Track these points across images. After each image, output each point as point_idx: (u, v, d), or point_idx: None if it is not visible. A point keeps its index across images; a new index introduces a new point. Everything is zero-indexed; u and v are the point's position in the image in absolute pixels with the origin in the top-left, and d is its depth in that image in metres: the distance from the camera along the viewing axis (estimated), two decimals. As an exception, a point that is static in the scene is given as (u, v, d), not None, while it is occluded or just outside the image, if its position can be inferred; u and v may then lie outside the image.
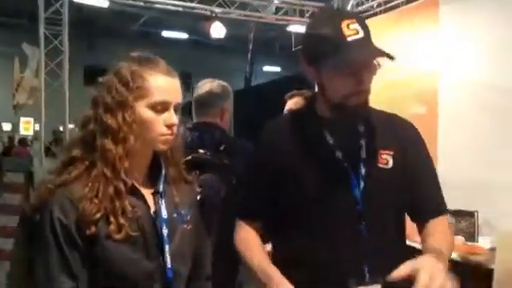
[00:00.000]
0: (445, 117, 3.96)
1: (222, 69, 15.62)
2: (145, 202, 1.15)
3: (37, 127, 7.04)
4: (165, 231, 1.15)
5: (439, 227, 1.32)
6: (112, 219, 1.07)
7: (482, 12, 3.63)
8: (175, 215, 1.19)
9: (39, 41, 4.44)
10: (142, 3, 5.13)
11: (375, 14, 5.08)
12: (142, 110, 1.12)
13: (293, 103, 2.77)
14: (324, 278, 1.27)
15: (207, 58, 14.73)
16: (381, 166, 1.32)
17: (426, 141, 1.45)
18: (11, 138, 11.49)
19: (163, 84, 1.14)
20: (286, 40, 6.44)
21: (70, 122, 4.63)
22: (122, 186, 1.10)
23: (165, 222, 1.15)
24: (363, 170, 1.30)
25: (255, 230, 1.42)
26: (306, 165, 1.33)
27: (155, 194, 1.18)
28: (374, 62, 1.31)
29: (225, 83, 2.33)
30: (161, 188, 1.18)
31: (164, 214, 1.16)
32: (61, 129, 5.00)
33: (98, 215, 1.07)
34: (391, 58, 1.27)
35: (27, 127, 12.58)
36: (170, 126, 1.15)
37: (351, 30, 1.25)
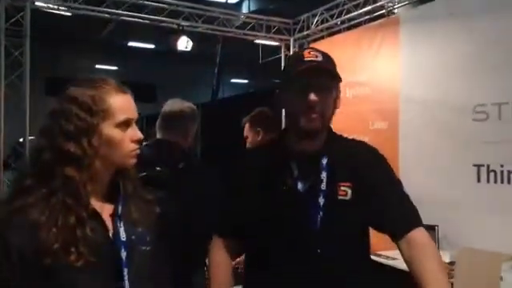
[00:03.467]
0: (405, 132, 4.08)
1: (188, 80, 15.58)
2: (103, 225, 1.15)
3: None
4: (123, 254, 1.15)
5: (422, 247, 1.32)
6: (72, 249, 1.06)
7: (442, 31, 3.77)
8: (134, 237, 1.19)
9: (-1, 52, 4.33)
10: (107, 15, 5.07)
11: (339, 32, 5.20)
12: (110, 131, 1.14)
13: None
14: None
15: (173, 69, 14.62)
16: (340, 197, 1.39)
17: (387, 155, 1.51)
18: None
19: (123, 102, 1.18)
20: (253, 52, 6.49)
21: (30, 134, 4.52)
22: (83, 213, 1.10)
23: (123, 245, 1.15)
24: (322, 201, 1.37)
25: (229, 248, 1.55)
26: (271, 195, 1.41)
27: (114, 216, 1.18)
28: (332, 88, 1.40)
29: (194, 106, 2.35)
30: (119, 210, 1.19)
31: (123, 236, 1.16)
32: (20, 140, 4.85)
33: (57, 245, 1.05)
34: (336, 78, 1.39)
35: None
36: (136, 141, 1.19)
37: (311, 55, 1.38)
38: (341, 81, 1.42)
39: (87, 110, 1.13)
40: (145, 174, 2.01)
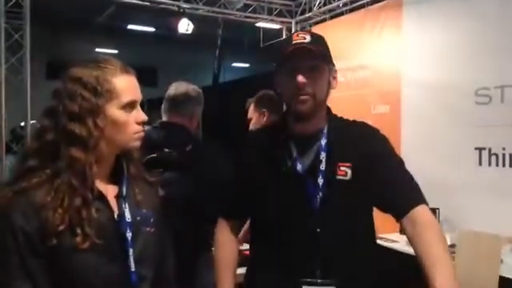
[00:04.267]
0: (407, 116, 4.07)
1: (189, 64, 15.48)
2: (108, 206, 1.16)
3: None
4: (128, 235, 1.15)
5: (425, 225, 1.29)
6: (78, 230, 1.06)
7: (445, 13, 3.73)
8: (139, 218, 1.20)
9: (-1, 35, 4.28)
10: (107, -3, 5.02)
11: (341, 14, 5.14)
12: (115, 112, 1.13)
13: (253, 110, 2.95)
14: (279, 279, 1.40)
15: (174, 53, 14.50)
16: (339, 177, 1.40)
17: (389, 139, 1.50)
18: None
19: (127, 84, 1.17)
20: (254, 36, 6.43)
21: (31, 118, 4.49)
22: (89, 195, 1.10)
23: (129, 226, 1.16)
24: (321, 182, 1.38)
25: (234, 228, 1.58)
26: (271, 175, 1.44)
27: (118, 197, 1.18)
28: (323, 69, 1.40)
29: (200, 89, 2.35)
30: (124, 191, 1.19)
31: (128, 217, 1.17)
32: (22, 124, 4.84)
33: (62, 227, 1.05)
34: (325, 58, 1.40)
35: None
36: (141, 123, 1.19)
37: (299, 37, 1.39)
38: (331, 61, 1.42)
39: (92, 90, 1.11)
40: (154, 155, 2.03)
